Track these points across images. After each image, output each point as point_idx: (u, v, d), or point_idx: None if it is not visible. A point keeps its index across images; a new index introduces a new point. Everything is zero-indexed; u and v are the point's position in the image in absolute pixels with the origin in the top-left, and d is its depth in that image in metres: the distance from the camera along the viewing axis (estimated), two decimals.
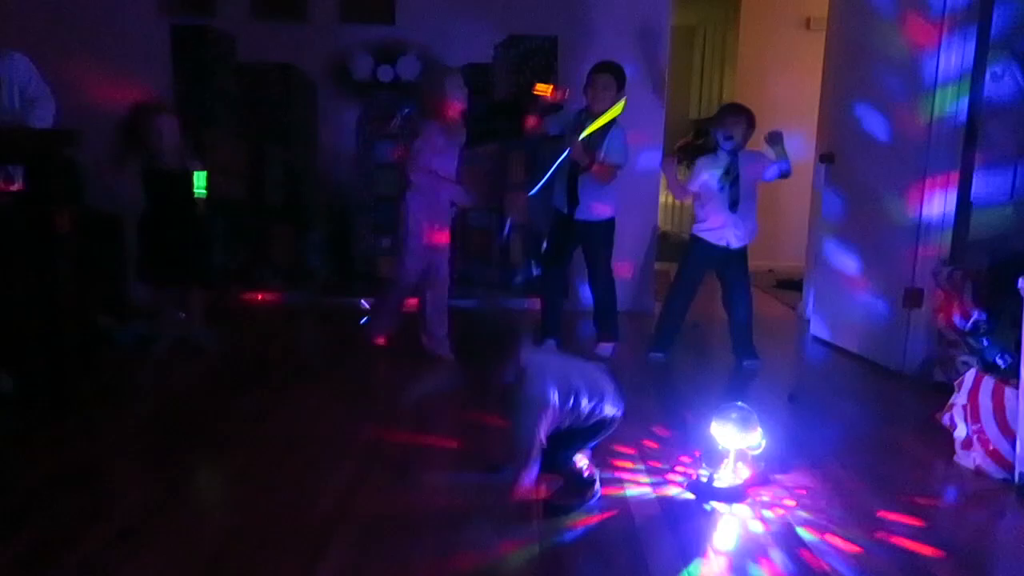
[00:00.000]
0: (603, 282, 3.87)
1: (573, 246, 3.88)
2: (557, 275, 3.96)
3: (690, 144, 8.35)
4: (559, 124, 3.71)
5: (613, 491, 2.33)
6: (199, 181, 3.66)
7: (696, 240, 3.72)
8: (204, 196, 3.72)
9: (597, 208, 3.72)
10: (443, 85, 3.55)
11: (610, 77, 3.63)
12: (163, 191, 3.60)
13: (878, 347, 3.80)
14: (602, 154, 3.60)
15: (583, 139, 3.57)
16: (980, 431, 2.57)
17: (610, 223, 3.78)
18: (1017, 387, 2.45)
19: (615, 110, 3.62)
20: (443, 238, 3.67)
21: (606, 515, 2.19)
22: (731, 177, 3.56)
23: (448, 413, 3.01)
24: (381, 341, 3.79)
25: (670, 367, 3.81)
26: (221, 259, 4.56)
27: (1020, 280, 2.42)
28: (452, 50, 4.64)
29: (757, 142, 3.69)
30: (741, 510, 2.24)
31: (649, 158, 4.82)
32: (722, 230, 3.62)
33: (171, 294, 3.75)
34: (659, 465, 2.53)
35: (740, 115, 3.56)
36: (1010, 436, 2.48)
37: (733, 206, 3.58)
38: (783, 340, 4.49)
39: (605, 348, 3.89)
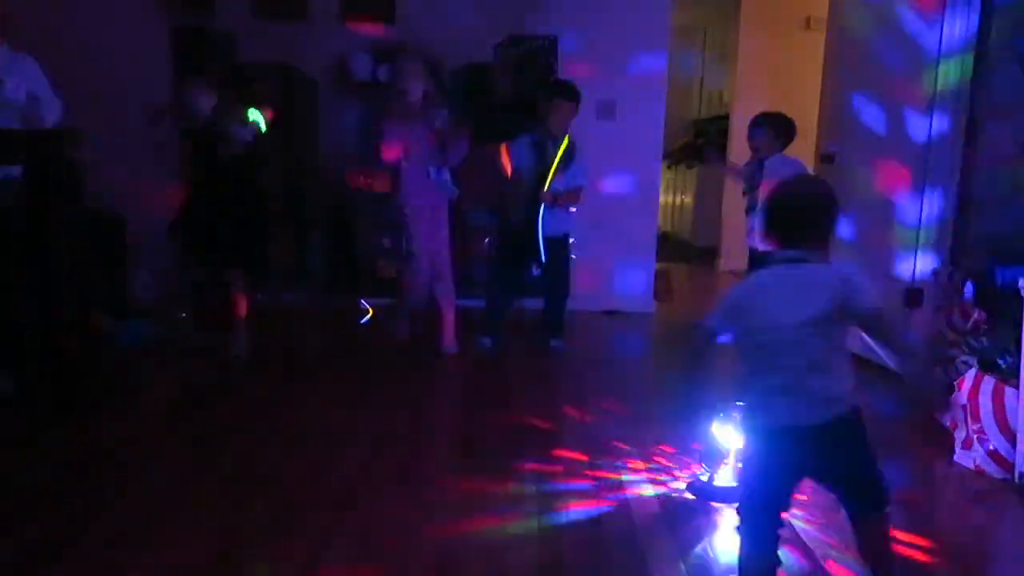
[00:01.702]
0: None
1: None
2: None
3: (690, 144, 8.38)
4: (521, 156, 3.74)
5: (613, 491, 2.33)
6: (257, 118, 3.46)
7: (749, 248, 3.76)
8: (260, 130, 3.51)
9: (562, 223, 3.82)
10: (399, 71, 3.61)
11: (572, 102, 3.72)
12: (208, 150, 3.42)
13: (878, 347, 3.79)
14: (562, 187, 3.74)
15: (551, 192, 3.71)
16: (980, 431, 2.57)
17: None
18: (1017, 387, 2.45)
19: (564, 144, 3.73)
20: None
21: (606, 515, 2.19)
22: (752, 184, 3.56)
23: (449, 409, 3.02)
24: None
25: (671, 367, 3.80)
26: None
27: (1020, 280, 2.43)
28: (452, 50, 4.64)
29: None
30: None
31: (650, 158, 4.83)
32: (752, 234, 3.61)
33: (212, 276, 3.64)
34: (661, 465, 2.53)
35: (761, 124, 3.53)
36: (1010, 436, 2.48)
37: (749, 211, 3.59)
38: None
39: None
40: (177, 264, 3.76)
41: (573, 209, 3.83)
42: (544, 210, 3.73)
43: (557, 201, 3.71)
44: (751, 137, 3.58)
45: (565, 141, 3.72)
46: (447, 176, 3.66)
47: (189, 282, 3.85)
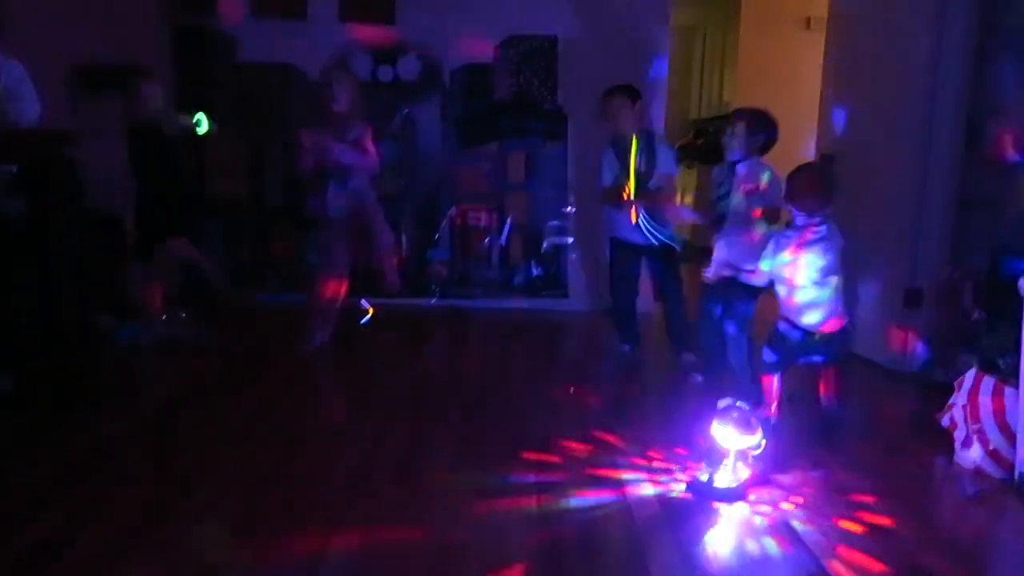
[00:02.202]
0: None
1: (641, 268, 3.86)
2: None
3: (690, 144, 8.38)
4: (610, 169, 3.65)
5: (613, 490, 2.33)
6: (201, 122, 3.75)
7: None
8: (207, 132, 3.80)
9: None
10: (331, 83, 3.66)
11: (624, 97, 3.59)
12: (145, 147, 3.66)
13: (878, 347, 3.80)
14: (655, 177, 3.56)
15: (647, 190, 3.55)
16: (980, 431, 2.57)
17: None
18: (1017, 387, 2.45)
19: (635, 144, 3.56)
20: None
21: (606, 515, 2.19)
22: (722, 190, 3.13)
23: (448, 407, 3.02)
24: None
25: (671, 367, 3.81)
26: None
27: (1020, 280, 2.42)
28: (452, 50, 4.64)
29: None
30: (741, 510, 2.24)
31: None
32: (719, 264, 3.12)
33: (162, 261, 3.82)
34: (661, 465, 2.53)
35: (737, 121, 3.11)
36: (1010, 436, 2.48)
37: (716, 223, 3.15)
38: None
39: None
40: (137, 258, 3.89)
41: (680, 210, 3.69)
42: (641, 215, 3.57)
43: (647, 199, 3.52)
44: (727, 135, 3.14)
45: (634, 141, 3.53)
46: (357, 185, 3.65)
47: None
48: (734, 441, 2.31)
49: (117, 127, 3.72)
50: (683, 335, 3.73)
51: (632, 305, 3.86)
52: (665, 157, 3.57)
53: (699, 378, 3.46)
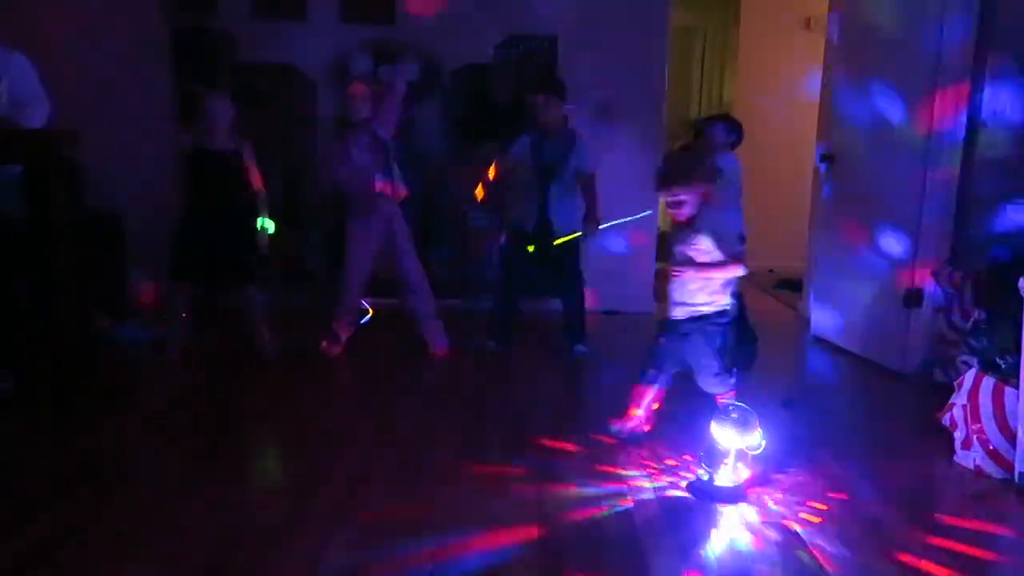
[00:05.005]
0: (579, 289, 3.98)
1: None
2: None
3: (691, 144, 8.35)
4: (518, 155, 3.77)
5: (613, 491, 2.34)
6: (270, 228, 3.64)
7: None
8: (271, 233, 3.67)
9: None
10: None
11: (553, 96, 3.72)
12: (211, 174, 3.50)
13: (878, 347, 3.80)
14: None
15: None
16: (980, 431, 2.57)
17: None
18: (1017, 387, 2.44)
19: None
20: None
21: (606, 515, 2.19)
22: None
23: (449, 408, 3.02)
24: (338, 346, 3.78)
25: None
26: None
27: (1020, 280, 2.42)
28: (452, 50, 4.64)
29: None
30: (741, 510, 2.24)
31: (649, 158, 4.82)
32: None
33: (203, 292, 3.72)
34: (661, 465, 2.53)
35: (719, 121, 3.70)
36: (1010, 436, 2.48)
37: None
38: (783, 340, 4.49)
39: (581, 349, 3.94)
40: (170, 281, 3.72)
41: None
42: (553, 206, 3.74)
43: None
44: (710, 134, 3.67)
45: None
46: (395, 174, 3.64)
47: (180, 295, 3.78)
48: (734, 441, 2.31)
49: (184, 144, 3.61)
50: (579, 327, 3.94)
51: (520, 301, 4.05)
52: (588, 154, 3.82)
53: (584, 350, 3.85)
